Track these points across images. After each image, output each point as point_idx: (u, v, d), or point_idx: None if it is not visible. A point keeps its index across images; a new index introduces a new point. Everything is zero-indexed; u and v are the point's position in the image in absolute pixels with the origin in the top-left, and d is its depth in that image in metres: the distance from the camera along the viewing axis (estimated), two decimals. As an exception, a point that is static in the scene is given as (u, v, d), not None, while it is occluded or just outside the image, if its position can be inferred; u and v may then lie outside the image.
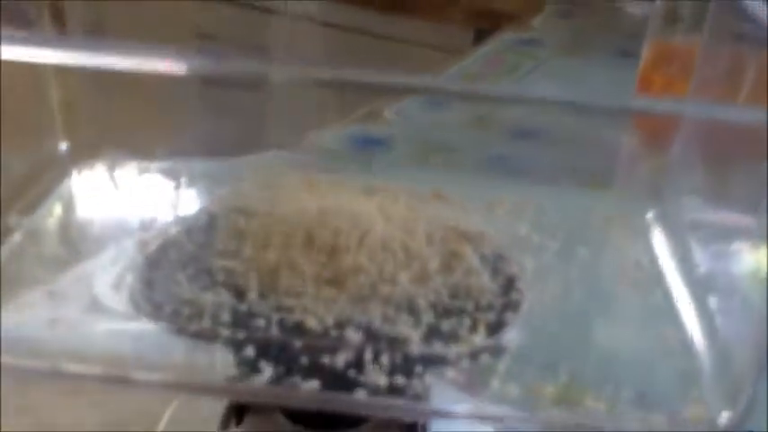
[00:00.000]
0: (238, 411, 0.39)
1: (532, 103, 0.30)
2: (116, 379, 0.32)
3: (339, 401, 0.32)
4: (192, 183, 0.45)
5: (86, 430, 0.69)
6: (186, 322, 0.34)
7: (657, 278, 0.40)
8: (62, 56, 0.29)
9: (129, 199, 0.45)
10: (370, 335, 0.33)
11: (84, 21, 0.45)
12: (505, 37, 1.04)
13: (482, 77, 0.93)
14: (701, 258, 0.40)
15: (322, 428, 0.38)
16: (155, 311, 0.35)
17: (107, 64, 0.28)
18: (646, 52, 0.74)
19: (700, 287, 0.38)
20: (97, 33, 0.47)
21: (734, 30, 0.41)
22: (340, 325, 0.34)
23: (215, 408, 0.40)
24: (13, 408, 0.69)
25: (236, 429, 0.39)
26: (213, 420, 0.39)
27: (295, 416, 0.38)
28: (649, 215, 0.44)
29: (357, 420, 0.38)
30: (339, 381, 0.32)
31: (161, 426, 0.42)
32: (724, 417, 0.32)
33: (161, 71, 0.28)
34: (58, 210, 0.43)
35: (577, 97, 0.27)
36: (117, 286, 0.37)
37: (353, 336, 0.33)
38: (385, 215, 0.38)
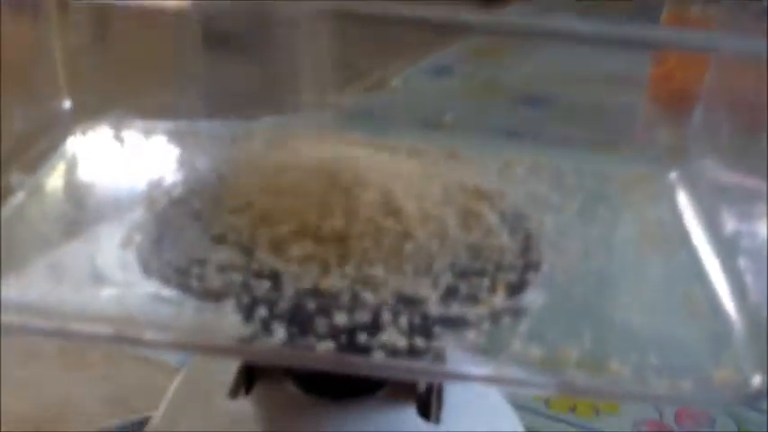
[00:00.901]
0: (248, 380, 0.38)
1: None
2: (125, 339, 0.31)
3: (355, 363, 0.31)
4: (200, 142, 0.44)
5: (88, 405, 0.68)
6: (198, 281, 0.33)
7: (682, 238, 0.39)
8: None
9: (136, 158, 0.44)
10: (387, 296, 0.32)
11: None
12: (512, 7, 1.02)
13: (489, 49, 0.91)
14: (727, 219, 0.39)
15: (333, 397, 0.37)
16: (164, 271, 0.34)
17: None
18: (662, 24, 0.72)
19: (726, 248, 0.37)
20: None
21: (754, 6, 0.40)
22: (355, 285, 0.33)
23: (221, 381, 0.39)
24: (14, 382, 0.68)
25: (245, 397, 0.38)
26: (219, 392, 0.38)
27: (306, 384, 0.37)
28: (672, 176, 0.43)
29: (369, 389, 0.37)
30: (354, 343, 0.31)
31: (164, 401, 0.41)
32: (756, 380, 0.31)
33: (165, 8, 0.27)
34: (61, 168, 0.42)
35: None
36: (124, 245, 0.35)
37: (369, 296, 0.32)
38: (400, 174, 0.37)
